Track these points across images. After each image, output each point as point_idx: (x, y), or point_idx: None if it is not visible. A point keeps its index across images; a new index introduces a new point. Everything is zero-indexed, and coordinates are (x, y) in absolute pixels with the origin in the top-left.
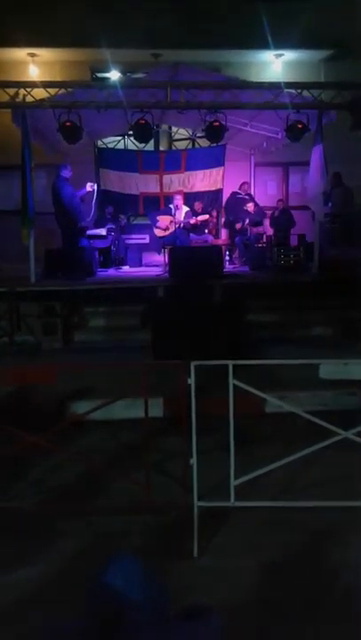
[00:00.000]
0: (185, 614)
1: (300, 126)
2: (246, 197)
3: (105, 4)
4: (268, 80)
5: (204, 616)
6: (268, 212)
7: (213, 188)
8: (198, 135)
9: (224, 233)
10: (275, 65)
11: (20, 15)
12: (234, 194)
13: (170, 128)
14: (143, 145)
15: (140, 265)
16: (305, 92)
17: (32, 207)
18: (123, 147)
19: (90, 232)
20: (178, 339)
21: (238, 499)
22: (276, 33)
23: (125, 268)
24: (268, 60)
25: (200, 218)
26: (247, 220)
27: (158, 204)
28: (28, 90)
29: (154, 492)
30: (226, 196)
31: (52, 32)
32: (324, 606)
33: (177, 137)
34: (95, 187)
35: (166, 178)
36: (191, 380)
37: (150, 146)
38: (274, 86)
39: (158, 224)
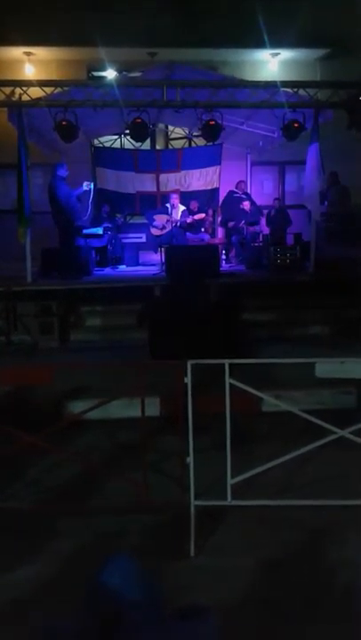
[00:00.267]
0: (182, 614)
1: (296, 125)
2: (243, 196)
3: (101, 3)
4: (264, 79)
5: (202, 616)
6: (265, 211)
7: (210, 187)
8: (195, 134)
9: (220, 232)
10: (271, 64)
11: (16, 14)
12: (230, 193)
13: (166, 127)
14: (140, 144)
15: (137, 264)
16: (301, 91)
17: (28, 206)
18: (119, 146)
19: (86, 231)
20: (174, 338)
21: (235, 498)
22: (273, 32)
23: (122, 267)
24: (264, 58)
25: (196, 217)
26: (243, 220)
27: (155, 202)
28: (24, 89)
29: (151, 492)
30: (222, 195)
31: (48, 31)
32: (323, 605)
33: (173, 136)
34: (92, 186)
35: (163, 177)
36: (188, 379)
37: (147, 145)
38: (270, 85)
39: (155, 223)
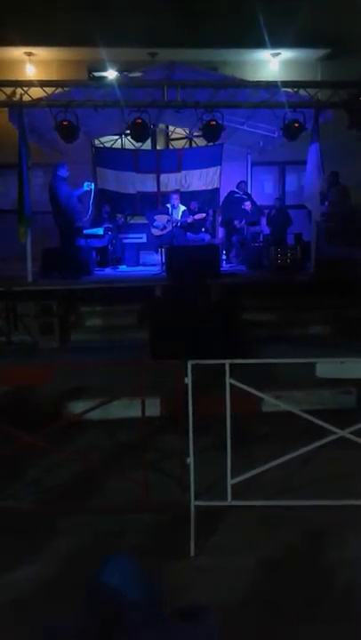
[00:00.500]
0: (182, 614)
1: (296, 125)
2: (243, 196)
3: (102, 3)
4: (264, 79)
5: (202, 615)
6: (265, 211)
7: (210, 187)
8: (195, 134)
9: (221, 232)
10: (271, 64)
11: (17, 14)
12: (231, 193)
13: (167, 127)
14: (140, 144)
15: (137, 264)
16: (302, 91)
17: (29, 206)
18: (120, 146)
19: (87, 231)
20: (175, 338)
21: (235, 498)
22: (273, 32)
23: (122, 268)
24: (264, 58)
25: (197, 217)
26: (244, 220)
27: (155, 203)
28: (25, 89)
29: (151, 492)
30: (223, 195)
31: (49, 31)
32: (323, 605)
33: (174, 136)
34: (92, 186)
35: (163, 177)
36: (188, 380)
37: (147, 145)
38: (271, 85)
39: (155, 223)
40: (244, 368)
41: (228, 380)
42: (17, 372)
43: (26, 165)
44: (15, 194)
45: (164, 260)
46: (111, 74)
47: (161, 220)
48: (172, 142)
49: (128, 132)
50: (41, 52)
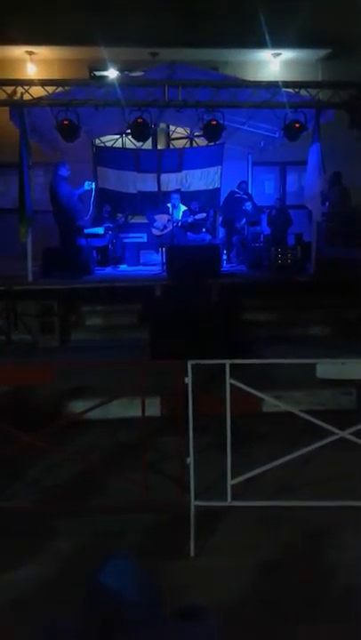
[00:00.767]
0: (182, 614)
1: (297, 125)
2: (244, 197)
3: (103, 3)
4: (265, 79)
5: (201, 616)
6: (266, 212)
7: (211, 187)
8: (196, 134)
9: (221, 232)
10: (272, 64)
11: (19, 13)
12: (232, 193)
13: (168, 127)
14: (141, 143)
15: (138, 264)
16: (303, 91)
17: (30, 205)
18: (121, 145)
19: (87, 230)
20: (175, 338)
21: (235, 498)
22: (274, 32)
23: (123, 267)
24: (265, 58)
25: (198, 217)
26: (244, 220)
27: (156, 202)
28: (26, 88)
29: (151, 492)
30: (223, 195)
31: (50, 30)
32: (323, 605)
33: (175, 136)
34: (93, 185)
35: (164, 176)
36: (188, 379)
37: (148, 144)
38: (272, 85)
39: (156, 223)
40: (244, 368)
41: (229, 380)
42: (17, 372)
43: (27, 164)
44: (16, 193)
45: (164, 260)
46: (112, 73)
47: (161, 219)
48: (173, 142)
49: (129, 131)
50: (42, 51)
